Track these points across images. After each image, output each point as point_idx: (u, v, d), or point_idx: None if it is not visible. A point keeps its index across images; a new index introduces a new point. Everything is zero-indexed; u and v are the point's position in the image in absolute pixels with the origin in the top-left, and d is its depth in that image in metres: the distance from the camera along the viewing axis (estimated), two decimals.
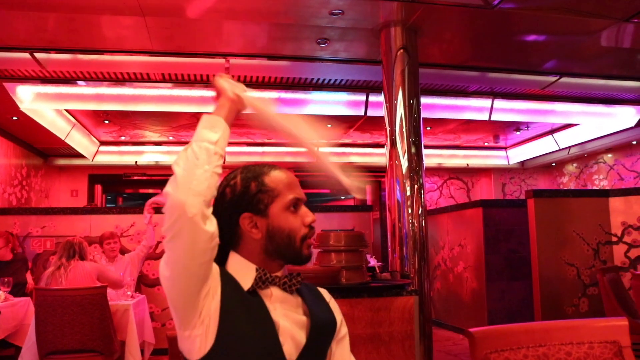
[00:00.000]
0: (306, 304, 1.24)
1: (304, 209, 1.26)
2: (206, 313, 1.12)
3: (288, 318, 1.19)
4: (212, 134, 1.13)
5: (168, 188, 1.08)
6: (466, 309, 6.54)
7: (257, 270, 1.20)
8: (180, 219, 1.04)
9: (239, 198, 1.22)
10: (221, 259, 1.23)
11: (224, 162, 1.14)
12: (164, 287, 1.12)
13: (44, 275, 3.83)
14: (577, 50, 4.84)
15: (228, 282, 1.17)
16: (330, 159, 1.36)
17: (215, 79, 1.26)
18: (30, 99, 5.39)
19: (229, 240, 1.25)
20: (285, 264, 1.25)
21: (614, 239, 5.45)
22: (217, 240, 1.11)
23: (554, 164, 9.68)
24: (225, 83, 1.25)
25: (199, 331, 1.12)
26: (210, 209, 1.10)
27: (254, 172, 1.25)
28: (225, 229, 1.19)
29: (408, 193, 3.74)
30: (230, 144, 8.12)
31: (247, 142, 8.06)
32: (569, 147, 8.27)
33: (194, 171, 1.07)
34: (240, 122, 1.22)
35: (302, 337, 1.19)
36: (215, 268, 1.17)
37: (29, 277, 4.91)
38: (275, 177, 1.24)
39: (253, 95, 1.29)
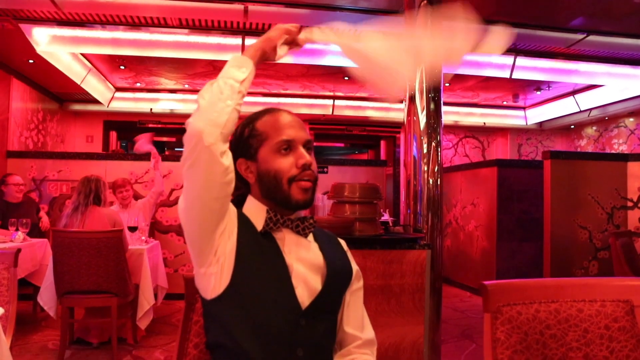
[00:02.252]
0: (322, 250, 1.25)
1: (299, 151, 1.21)
2: (222, 252, 1.14)
3: (302, 262, 1.20)
4: (239, 72, 1.14)
5: (190, 119, 1.09)
6: (475, 267, 6.59)
7: (267, 211, 1.21)
8: (197, 146, 1.06)
9: (236, 145, 1.24)
10: (240, 203, 1.24)
11: (239, 113, 1.14)
12: (182, 220, 1.14)
13: (62, 216, 3.89)
14: (608, 7, 4.64)
15: (244, 224, 1.19)
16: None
17: (276, 27, 1.26)
18: (46, 41, 5.35)
19: (242, 185, 1.26)
20: (281, 208, 1.23)
21: (630, 204, 5.40)
22: (232, 175, 1.11)
23: (572, 127, 9.50)
24: (278, 33, 1.24)
25: (214, 269, 1.14)
26: (227, 144, 1.10)
27: (250, 118, 1.26)
28: (236, 175, 1.20)
29: (425, 150, 3.69)
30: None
31: (262, 93, 7.98)
32: (590, 110, 8.08)
33: (217, 104, 1.08)
34: (256, 73, 1.20)
35: (316, 282, 1.20)
36: (233, 209, 1.18)
37: (44, 218, 5.01)
38: (267, 120, 1.23)
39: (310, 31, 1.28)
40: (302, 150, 1.21)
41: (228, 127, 1.09)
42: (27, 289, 4.50)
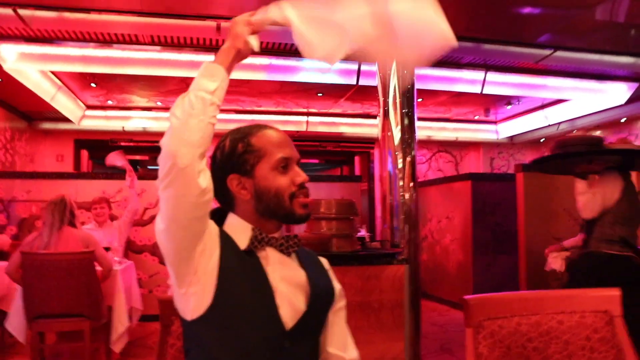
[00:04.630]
0: (305, 269, 1.23)
1: (295, 169, 1.22)
2: (202, 272, 1.11)
3: (286, 282, 1.17)
4: (210, 82, 1.09)
5: (163, 139, 1.06)
6: (452, 281, 6.62)
7: (252, 229, 1.18)
8: (172, 169, 1.03)
9: (227, 159, 1.20)
10: (221, 220, 1.21)
11: (214, 126, 1.11)
12: (159, 241, 1.11)
13: (33, 237, 3.72)
14: (572, 24, 4.79)
15: (226, 243, 1.16)
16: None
17: (234, 22, 1.17)
18: (13, 58, 5.23)
19: (225, 202, 1.23)
20: (281, 223, 1.23)
21: None
22: (210, 195, 1.09)
23: (542, 140, 9.71)
24: (243, 27, 1.16)
25: (195, 289, 1.11)
26: (204, 162, 1.07)
27: (242, 132, 1.23)
28: (218, 191, 1.17)
29: (400, 165, 3.72)
30: (219, 110, 8.01)
31: (236, 110, 7.95)
32: (559, 123, 8.28)
33: (189, 121, 1.04)
34: (229, 90, 1.17)
35: (300, 303, 1.18)
36: (215, 228, 1.15)
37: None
38: (263, 136, 1.21)
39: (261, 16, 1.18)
40: (297, 168, 1.23)
41: (204, 144, 1.06)
42: None
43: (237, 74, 5.89)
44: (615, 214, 3.03)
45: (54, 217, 3.64)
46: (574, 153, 3.19)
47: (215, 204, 1.17)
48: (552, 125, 8.34)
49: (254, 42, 1.17)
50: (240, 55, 1.16)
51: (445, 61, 5.91)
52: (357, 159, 10.33)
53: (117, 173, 5.55)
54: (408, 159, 3.73)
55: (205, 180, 1.06)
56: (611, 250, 3.03)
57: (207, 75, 1.10)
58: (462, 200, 6.43)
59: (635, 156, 3.11)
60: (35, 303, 3.47)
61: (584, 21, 4.71)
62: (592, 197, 3.11)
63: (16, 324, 3.61)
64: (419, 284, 3.25)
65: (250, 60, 5.83)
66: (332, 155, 10.52)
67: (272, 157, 1.19)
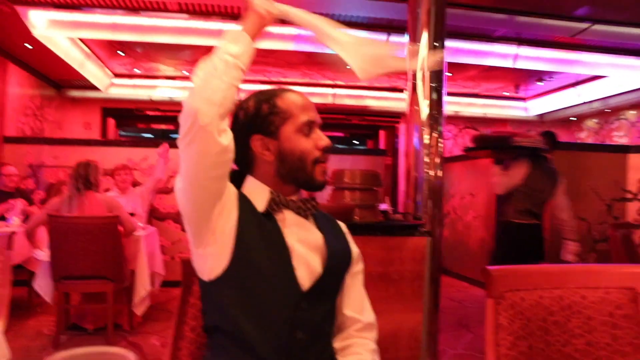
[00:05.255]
0: (322, 232, 1.22)
1: (318, 133, 1.22)
2: (220, 232, 1.11)
3: (303, 243, 1.17)
4: (234, 46, 1.08)
5: (186, 97, 1.06)
6: (472, 258, 6.57)
7: (271, 192, 1.18)
8: (193, 127, 1.03)
9: (251, 120, 1.19)
10: (239, 183, 1.21)
11: (237, 89, 1.10)
12: (178, 200, 1.12)
13: (53, 201, 3.80)
14: None
15: (245, 205, 1.16)
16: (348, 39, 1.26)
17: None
18: (43, 25, 5.28)
19: (245, 164, 1.22)
20: (298, 188, 1.23)
21: (629, 195, 5.38)
22: (230, 155, 1.08)
23: (573, 119, 9.46)
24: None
25: (212, 250, 1.11)
26: (226, 122, 1.07)
27: (267, 94, 1.22)
28: (239, 152, 1.16)
29: (426, 141, 3.64)
30: (245, 81, 7.99)
31: (262, 80, 7.93)
32: (592, 102, 8.03)
33: (211, 81, 1.04)
34: (255, 60, 1.15)
35: (317, 264, 1.17)
36: (233, 190, 1.16)
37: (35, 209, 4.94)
38: (288, 99, 1.21)
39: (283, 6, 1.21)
40: (320, 132, 1.23)
41: (225, 105, 1.05)
42: (22, 275, 4.48)
43: (264, 44, 5.85)
44: (523, 191, 3.85)
45: (74, 184, 3.73)
46: (491, 145, 4.27)
47: (233, 167, 1.17)
48: (584, 103, 8.10)
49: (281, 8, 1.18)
50: (263, 22, 1.15)
51: (476, 34, 5.75)
52: (382, 133, 10.25)
53: (142, 140, 5.59)
54: (435, 134, 3.65)
55: (226, 139, 1.06)
56: (521, 219, 3.89)
57: (231, 40, 1.10)
58: (486, 177, 6.33)
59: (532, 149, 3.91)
60: (61, 264, 3.56)
61: None
62: (500, 178, 3.98)
63: (43, 284, 3.71)
64: (440, 257, 3.22)
65: (277, 29, 5.77)
66: (357, 129, 10.45)
67: (297, 120, 1.19)
